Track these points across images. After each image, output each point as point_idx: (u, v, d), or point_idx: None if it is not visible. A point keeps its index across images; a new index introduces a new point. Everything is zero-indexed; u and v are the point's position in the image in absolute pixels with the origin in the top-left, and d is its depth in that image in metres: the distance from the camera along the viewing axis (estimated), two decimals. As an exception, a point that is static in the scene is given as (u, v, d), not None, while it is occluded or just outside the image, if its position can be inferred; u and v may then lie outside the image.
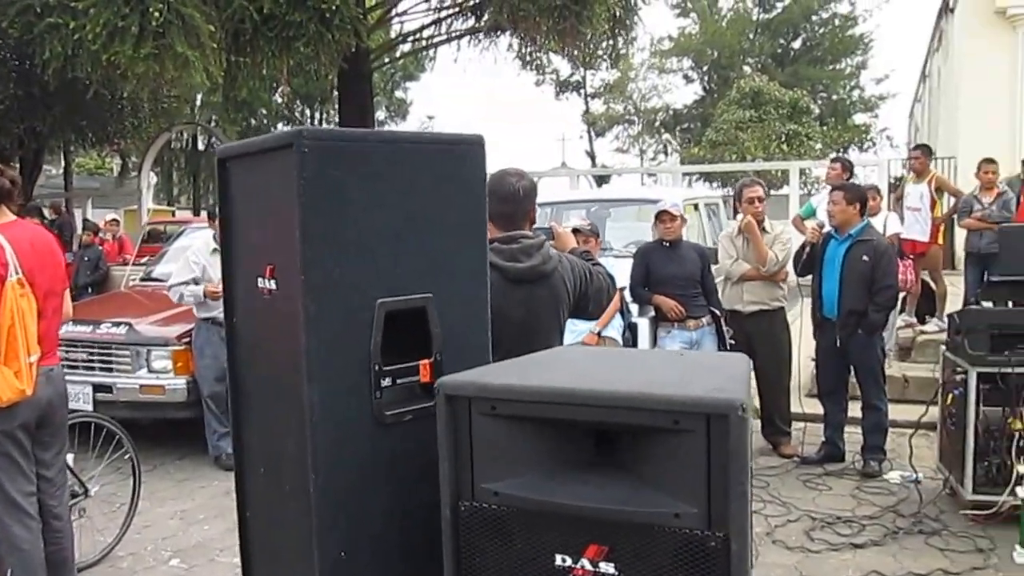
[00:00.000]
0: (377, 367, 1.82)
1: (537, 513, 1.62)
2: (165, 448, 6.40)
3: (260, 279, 1.92)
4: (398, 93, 32.39)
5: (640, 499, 1.55)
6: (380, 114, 30.47)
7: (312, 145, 1.70)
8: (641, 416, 1.53)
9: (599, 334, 5.69)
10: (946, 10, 17.79)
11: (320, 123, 28.41)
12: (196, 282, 5.95)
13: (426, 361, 1.92)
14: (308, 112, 28.17)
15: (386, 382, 1.84)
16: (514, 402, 1.63)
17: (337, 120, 18.10)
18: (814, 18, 34.09)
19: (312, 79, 17.58)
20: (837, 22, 34.10)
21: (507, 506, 1.65)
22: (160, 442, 6.42)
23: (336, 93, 17.10)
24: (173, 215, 22.79)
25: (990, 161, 7.99)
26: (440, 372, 1.91)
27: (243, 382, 2.09)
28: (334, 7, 11.44)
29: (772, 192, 23.45)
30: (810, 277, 6.03)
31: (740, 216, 6.40)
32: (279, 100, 25.41)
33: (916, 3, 54.22)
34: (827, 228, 5.88)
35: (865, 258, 5.52)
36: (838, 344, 5.61)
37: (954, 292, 8.54)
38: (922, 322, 8.22)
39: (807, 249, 5.80)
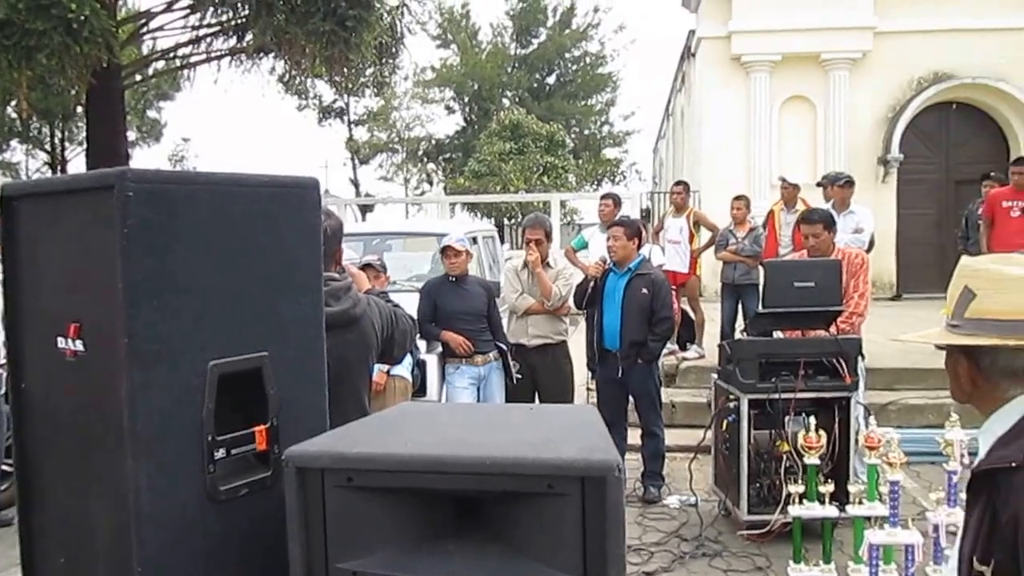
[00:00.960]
0: (210, 437, 1.63)
1: (401, 591, 1.50)
2: None
3: (60, 338, 1.67)
4: (151, 113, 30.48)
5: (513, 569, 1.48)
6: (131, 134, 28.50)
7: (138, 188, 1.50)
8: (514, 482, 1.47)
9: (388, 372, 5.58)
10: (688, 54, 19.29)
11: (63, 142, 26.14)
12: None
13: (261, 427, 1.74)
14: (48, 129, 25.84)
15: (219, 454, 1.66)
16: (374, 472, 1.51)
17: (84, 139, 16.69)
18: (567, 55, 35.84)
19: (53, 94, 16.13)
20: (588, 60, 36.08)
21: (367, 586, 1.52)
22: None
23: (83, 110, 15.80)
24: None
25: (739, 198, 8.71)
26: (276, 438, 1.75)
27: (34, 457, 1.80)
28: (82, 17, 10.57)
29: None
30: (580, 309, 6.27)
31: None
32: (13, 115, 23.10)
33: (659, 45, 58.68)
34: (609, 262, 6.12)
35: (644, 291, 5.79)
36: (620, 375, 5.84)
37: (707, 319, 9.19)
38: (683, 349, 8.76)
39: (592, 283, 5.99)
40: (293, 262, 1.80)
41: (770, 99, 16.07)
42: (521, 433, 1.65)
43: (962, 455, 4.06)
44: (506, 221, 26.86)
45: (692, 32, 18.12)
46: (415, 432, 1.70)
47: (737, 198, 8.70)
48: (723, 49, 16.23)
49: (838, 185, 7.99)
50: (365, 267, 5.90)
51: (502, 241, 15.18)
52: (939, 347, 1.74)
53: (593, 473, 1.43)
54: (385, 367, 5.56)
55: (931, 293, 14.11)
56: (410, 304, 5.95)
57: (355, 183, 36.97)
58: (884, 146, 15.85)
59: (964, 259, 1.75)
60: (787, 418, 4.81)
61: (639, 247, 6.09)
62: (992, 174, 9.20)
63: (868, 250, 7.58)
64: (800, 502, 4.47)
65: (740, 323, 8.55)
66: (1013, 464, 1.54)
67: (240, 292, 1.68)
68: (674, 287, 8.46)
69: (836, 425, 4.82)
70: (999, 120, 16.10)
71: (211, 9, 13.94)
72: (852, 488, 4.42)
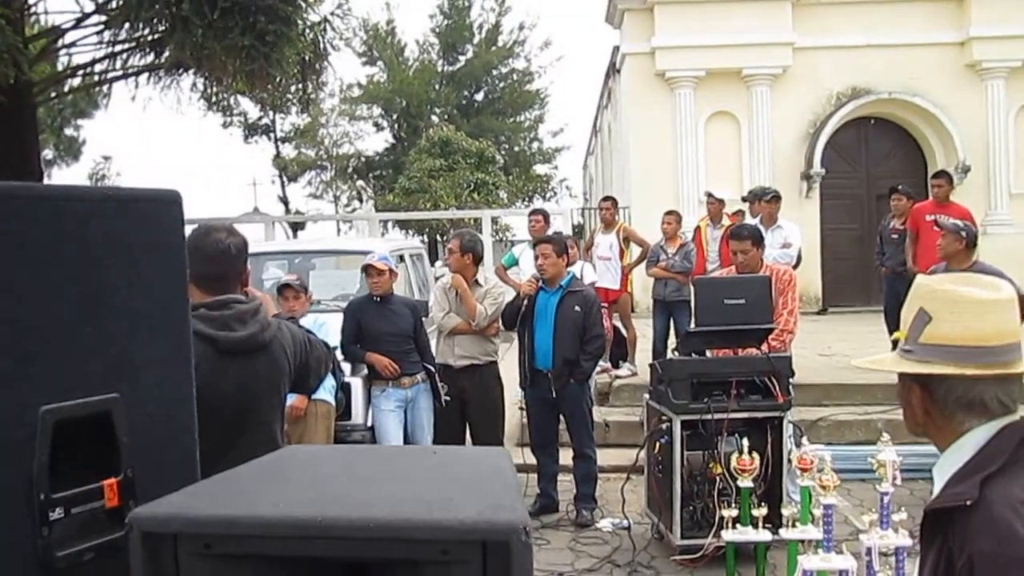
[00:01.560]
0: (43, 496, 1.37)
1: None
2: None
3: None
4: (68, 131, 29.43)
5: (404, 648, 1.25)
6: (48, 152, 27.48)
7: (-60, 204, 1.24)
8: (403, 548, 1.24)
9: (310, 397, 5.28)
10: (613, 70, 19.33)
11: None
12: None
13: (112, 480, 1.49)
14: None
15: (56, 513, 1.40)
16: (237, 538, 1.26)
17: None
18: (494, 72, 35.75)
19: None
20: (515, 77, 36.06)
21: (229, 673, 1.27)
22: None
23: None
24: None
25: (670, 213, 8.61)
26: (132, 492, 1.50)
27: None
28: (-15, 34, 10.08)
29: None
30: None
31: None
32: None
33: (585, 62, 59.30)
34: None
35: (577, 308, 5.62)
36: (554, 395, 5.63)
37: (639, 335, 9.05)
38: (615, 367, 8.61)
39: (526, 301, 5.76)
40: (149, 289, 1.54)
41: (695, 115, 16.17)
42: (415, 487, 1.42)
43: (894, 476, 3.96)
44: (438, 238, 26.60)
45: (616, 48, 18.15)
46: (291, 486, 1.46)
47: (668, 213, 8.60)
48: (647, 65, 16.28)
49: (764, 200, 7.95)
50: (284, 287, 5.61)
51: (434, 259, 14.92)
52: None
53: (495, 537, 1.22)
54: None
55: (855, 307, 14.30)
56: (335, 324, 5.70)
57: (284, 201, 36.33)
58: (806, 161, 16.06)
59: (920, 278, 1.58)
60: (719, 439, 4.67)
61: (568, 264, 5.93)
62: (900, 187, 9.24)
63: (796, 265, 7.56)
64: (733, 526, 4.33)
65: (672, 340, 8.45)
66: (968, 502, 1.39)
67: (81, 325, 1.43)
68: (605, 304, 8.32)
69: (768, 445, 4.69)
70: (915, 135, 16.48)
71: (126, 25, 13.40)
72: (785, 511, 4.30)
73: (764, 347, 4.94)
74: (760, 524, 4.30)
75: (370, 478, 1.49)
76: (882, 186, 16.24)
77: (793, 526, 4.16)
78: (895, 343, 1.59)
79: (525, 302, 5.78)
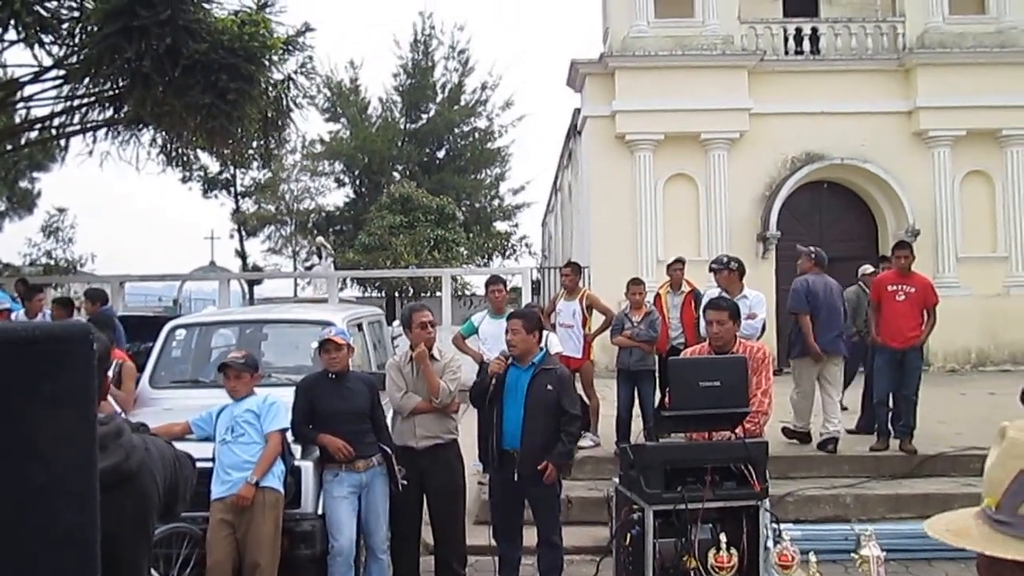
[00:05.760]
0: None
1: None
2: None
3: None
4: (23, 183, 28.84)
5: None
6: (0, 205, 26.97)
7: None
8: None
9: (257, 484, 5.03)
10: (575, 132, 19.53)
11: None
12: None
13: None
14: None
15: None
16: None
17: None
18: (456, 131, 35.89)
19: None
20: (477, 136, 36.24)
21: None
22: None
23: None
24: None
25: (637, 282, 8.53)
26: None
27: None
28: (-64, 89, 9.86)
29: (424, 294, 23.74)
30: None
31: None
32: None
33: (547, 120, 59.90)
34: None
35: (550, 387, 5.43)
36: (516, 478, 5.43)
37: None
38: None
39: (494, 381, 5.54)
40: (46, 455, 1.26)
41: (654, 177, 16.39)
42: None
43: (879, 572, 3.82)
44: (396, 295, 26.39)
45: (578, 111, 18.37)
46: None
47: (635, 282, 8.53)
48: (608, 128, 16.51)
49: (718, 272, 7.84)
50: (223, 367, 5.36)
51: (391, 318, 14.65)
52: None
53: None
54: (253, 477, 5.03)
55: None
56: (286, 401, 5.44)
57: (242, 255, 35.88)
58: (762, 223, 16.32)
59: (1013, 432, 1.21)
60: (693, 528, 4.50)
61: (540, 340, 5.76)
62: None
63: (760, 335, 7.52)
64: (710, 626, 4.17)
65: (636, 409, 8.34)
66: None
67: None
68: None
69: (744, 535, 4.51)
70: (867, 199, 16.87)
71: (85, 80, 13.23)
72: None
73: (739, 430, 4.81)
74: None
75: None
76: (836, 248, 16.49)
77: (773, 625, 4.02)
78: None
79: (493, 381, 5.57)
